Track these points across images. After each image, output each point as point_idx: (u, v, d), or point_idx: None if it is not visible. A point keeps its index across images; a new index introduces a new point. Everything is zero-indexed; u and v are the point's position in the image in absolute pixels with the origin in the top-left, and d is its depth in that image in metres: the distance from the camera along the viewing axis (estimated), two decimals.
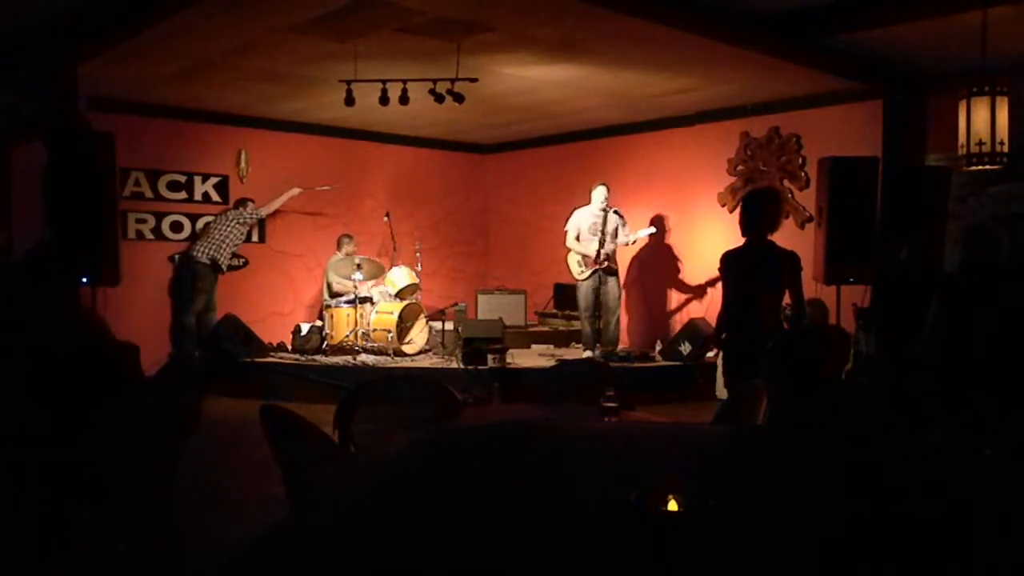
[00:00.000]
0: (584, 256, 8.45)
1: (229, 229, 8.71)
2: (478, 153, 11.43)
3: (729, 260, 4.93)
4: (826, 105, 7.98)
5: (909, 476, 1.95)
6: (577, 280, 8.57)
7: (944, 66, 6.86)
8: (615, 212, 8.53)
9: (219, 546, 3.73)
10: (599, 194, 8.49)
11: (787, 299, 4.90)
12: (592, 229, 8.43)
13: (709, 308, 8.53)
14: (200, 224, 9.04)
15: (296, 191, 9.27)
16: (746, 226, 4.86)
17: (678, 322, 9.12)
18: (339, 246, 9.38)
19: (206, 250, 8.57)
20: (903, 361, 4.88)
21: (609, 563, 1.40)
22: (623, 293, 8.88)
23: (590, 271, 8.41)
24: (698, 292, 9.09)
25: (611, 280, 8.47)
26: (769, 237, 4.85)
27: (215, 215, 8.98)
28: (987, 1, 5.15)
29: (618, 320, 8.62)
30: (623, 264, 9.21)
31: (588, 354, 8.46)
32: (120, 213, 7.11)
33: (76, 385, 2.98)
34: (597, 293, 8.38)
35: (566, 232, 8.63)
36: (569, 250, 8.63)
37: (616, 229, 8.50)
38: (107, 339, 3.55)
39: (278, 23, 5.98)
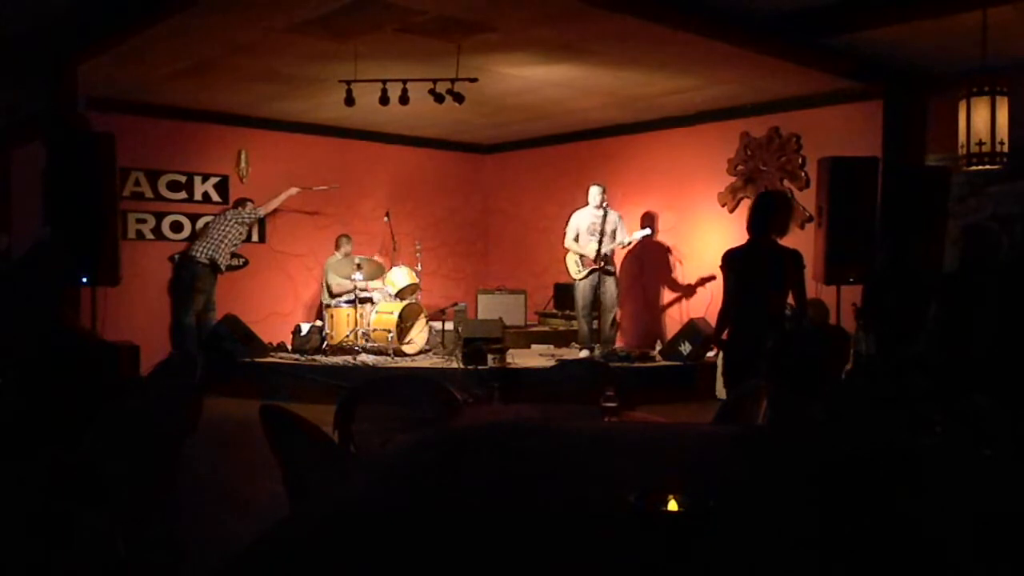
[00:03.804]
0: (582, 256, 8.49)
1: (228, 229, 8.71)
2: (478, 153, 11.43)
3: (731, 259, 4.91)
4: (826, 105, 7.98)
5: (908, 476, 1.95)
6: (575, 279, 8.61)
7: (944, 66, 6.87)
8: (614, 212, 8.57)
9: (219, 546, 3.73)
10: (594, 194, 8.56)
11: (790, 298, 4.88)
12: (590, 229, 8.48)
13: (709, 308, 8.53)
14: (200, 224, 9.04)
15: (294, 190, 9.28)
16: (753, 227, 4.83)
17: (678, 322, 9.12)
18: (337, 246, 9.37)
19: (205, 250, 8.57)
20: (902, 361, 4.88)
21: (609, 563, 1.40)
22: (621, 292, 8.90)
23: (587, 270, 8.45)
24: (698, 292, 9.09)
25: (609, 280, 8.50)
26: (773, 238, 4.84)
27: (214, 215, 8.98)
28: (987, 1, 5.16)
29: (615, 319, 8.64)
30: (621, 264, 9.23)
31: (584, 352, 8.50)
32: (120, 213, 7.12)
33: (71, 385, 2.98)
34: (595, 292, 8.40)
35: (565, 233, 8.68)
36: (568, 250, 8.67)
37: (615, 230, 8.53)
38: (94, 342, 3.56)
39: (278, 23, 5.98)
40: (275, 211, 9.34)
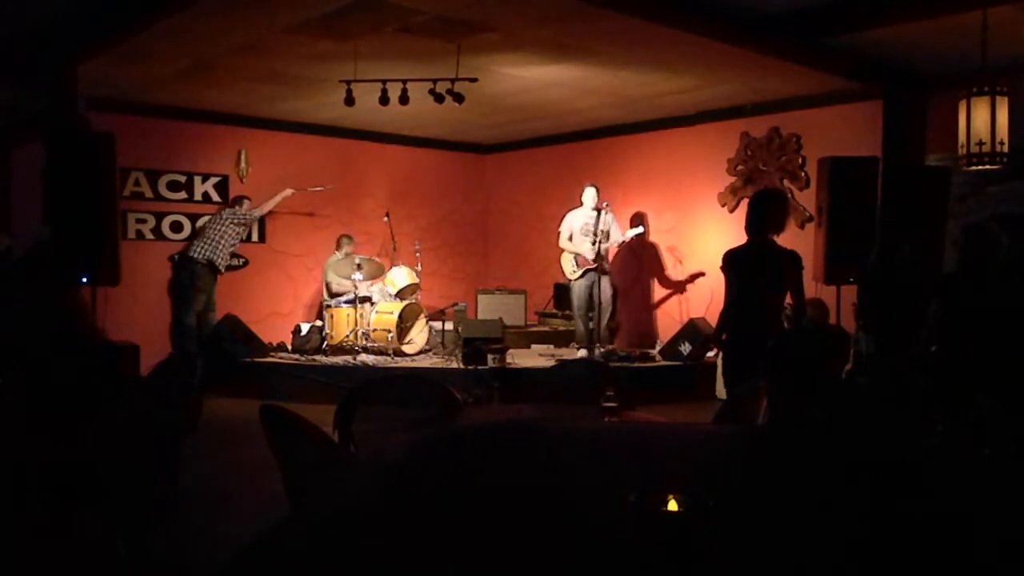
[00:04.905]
0: (577, 256, 8.51)
1: (224, 229, 8.70)
2: (478, 153, 11.43)
3: (731, 258, 4.92)
4: (826, 105, 7.98)
5: (909, 476, 1.95)
6: (570, 280, 8.63)
7: (944, 66, 6.86)
8: (608, 212, 8.57)
9: (219, 546, 3.73)
10: (589, 195, 8.58)
11: (788, 299, 4.89)
12: (584, 230, 8.50)
13: (709, 308, 8.53)
14: (199, 225, 9.04)
15: (289, 192, 9.25)
16: (751, 227, 4.84)
17: (677, 322, 9.12)
18: (339, 246, 9.37)
19: (203, 250, 8.56)
20: (902, 361, 4.88)
21: (609, 563, 1.40)
22: (617, 291, 8.90)
23: (582, 270, 8.47)
24: (698, 292, 9.09)
25: (604, 279, 8.50)
26: (772, 237, 4.85)
27: (211, 215, 8.97)
28: (987, 1, 5.16)
29: (612, 318, 8.65)
30: (619, 263, 9.24)
31: (583, 352, 8.51)
32: (120, 213, 7.11)
33: (71, 385, 2.98)
34: (591, 292, 8.41)
35: (559, 233, 8.70)
36: (563, 251, 8.69)
37: (608, 230, 8.53)
38: (94, 335, 3.57)
39: (278, 23, 5.98)
40: (273, 212, 9.34)
